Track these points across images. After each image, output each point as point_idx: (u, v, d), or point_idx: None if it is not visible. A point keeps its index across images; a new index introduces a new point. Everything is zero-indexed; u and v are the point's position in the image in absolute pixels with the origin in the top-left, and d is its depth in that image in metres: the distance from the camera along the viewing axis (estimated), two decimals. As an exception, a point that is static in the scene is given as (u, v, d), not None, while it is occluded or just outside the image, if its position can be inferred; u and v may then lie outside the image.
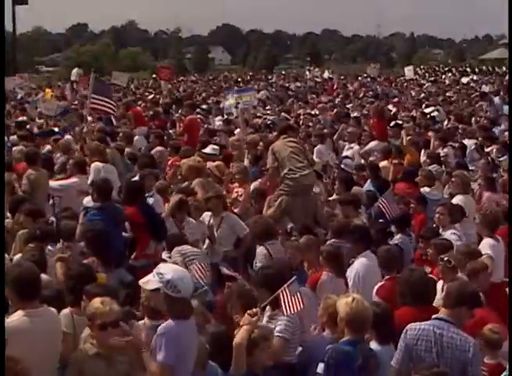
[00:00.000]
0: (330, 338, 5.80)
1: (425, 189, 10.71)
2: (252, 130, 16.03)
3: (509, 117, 18.20)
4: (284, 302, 5.62)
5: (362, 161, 13.24)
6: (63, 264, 7.03)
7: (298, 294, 5.65)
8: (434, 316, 5.38)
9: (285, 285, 5.68)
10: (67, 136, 15.03)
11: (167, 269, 5.14)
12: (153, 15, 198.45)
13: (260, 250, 8.17)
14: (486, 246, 7.82)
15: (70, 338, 5.68)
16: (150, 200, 9.76)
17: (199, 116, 19.76)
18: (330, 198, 10.78)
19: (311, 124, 18.61)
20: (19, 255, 7.40)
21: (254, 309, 5.59)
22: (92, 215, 8.36)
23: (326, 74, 45.97)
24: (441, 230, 8.58)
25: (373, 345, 5.61)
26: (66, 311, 5.90)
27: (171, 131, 17.32)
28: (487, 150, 14.13)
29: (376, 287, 7.01)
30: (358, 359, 5.20)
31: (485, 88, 31.71)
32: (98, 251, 7.21)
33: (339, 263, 7.36)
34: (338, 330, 5.57)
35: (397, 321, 5.82)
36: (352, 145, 14.81)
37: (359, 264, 7.42)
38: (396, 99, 28.11)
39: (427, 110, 21.22)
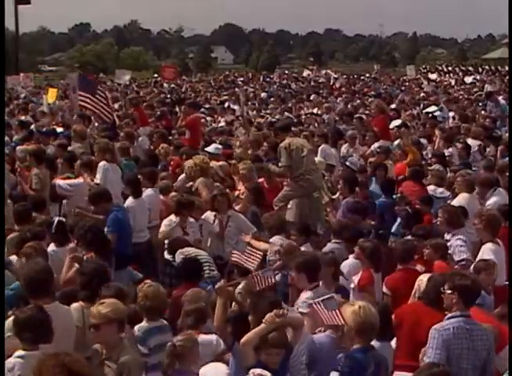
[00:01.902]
0: (334, 338, 5.74)
1: (431, 188, 10.68)
2: (256, 129, 15.99)
3: (509, 117, 18.12)
4: (323, 316, 5.54)
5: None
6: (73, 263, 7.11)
7: (336, 311, 5.48)
8: (456, 314, 5.49)
9: (319, 299, 5.60)
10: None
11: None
12: (156, 14, 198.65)
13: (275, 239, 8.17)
14: (488, 251, 7.75)
15: (80, 332, 5.82)
16: (147, 192, 9.87)
17: (202, 115, 19.79)
18: (334, 197, 10.75)
19: (316, 124, 18.59)
20: (12, 257, 7.47)
21: (282, 310, 5.50)
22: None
23: (334, 75, 45.57)
24: (445, 235, 8.42)
25: (373, 343, 5.57)
26: (76, 305, 6.03)
27: (173, 131, 17.25)
28: (488, 149, 14.10)
29: (386, 278, 7.22)
30: (370, 367, 5.20)
31: (489, 88, 31.59)
32: (92, 247, 7.23)
33: (379, 259, 7.41)
34: (345, 337, 5.45)
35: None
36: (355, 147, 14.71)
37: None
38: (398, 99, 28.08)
39: (429, 109, 21.13)
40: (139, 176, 10.20)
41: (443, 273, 6.46)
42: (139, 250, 9.08)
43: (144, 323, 6.11)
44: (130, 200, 9.61)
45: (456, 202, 9.64)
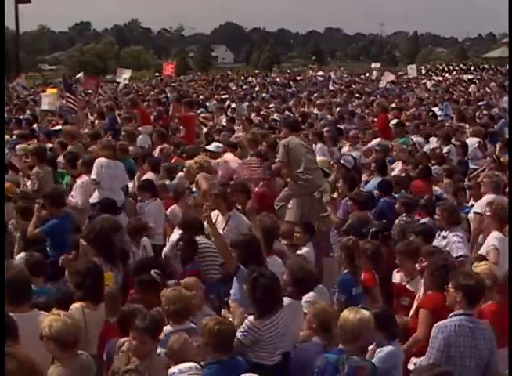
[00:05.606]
0: (321, 345, 5.73)
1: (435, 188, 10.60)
2: (258, 128, 15.93)
3: (509, 116, 18.10)
4: None
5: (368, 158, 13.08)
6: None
7: None
8: (459, 312, 5.50)
9: None
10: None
11: None
12: (156, 13, 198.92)
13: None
14: (494, 239, 7.81)
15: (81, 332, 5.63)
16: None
17: (203, 115, 19.78)
18: (334, 195, 10.72)
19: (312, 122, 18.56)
20: (21, 255, 7.56)
21: None
22: None
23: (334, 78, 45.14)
24: (443, 232, 8.33)
25: (385, 345, 5.63)
26: (77, 305, 5.92)
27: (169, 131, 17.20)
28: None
29: None
30: (339, 367, 5.13)
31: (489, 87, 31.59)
32: (100, 250, 7.16)
33: (379, 261, 7.41)
34: (332, 344, 5.48)
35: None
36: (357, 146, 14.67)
37: None
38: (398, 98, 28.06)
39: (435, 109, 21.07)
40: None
41: None
42: (155, 252, 9.00)
43: (168, 327, 5.93)
44: (147, 202, 9.75)
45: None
